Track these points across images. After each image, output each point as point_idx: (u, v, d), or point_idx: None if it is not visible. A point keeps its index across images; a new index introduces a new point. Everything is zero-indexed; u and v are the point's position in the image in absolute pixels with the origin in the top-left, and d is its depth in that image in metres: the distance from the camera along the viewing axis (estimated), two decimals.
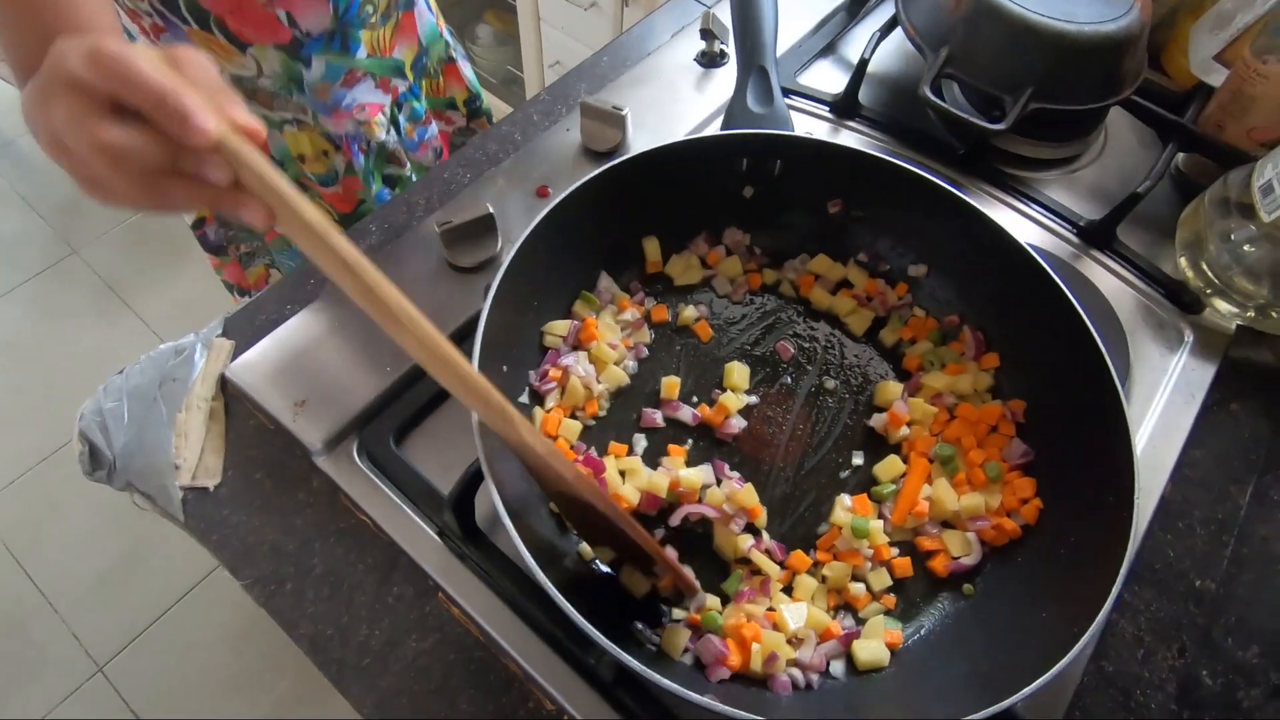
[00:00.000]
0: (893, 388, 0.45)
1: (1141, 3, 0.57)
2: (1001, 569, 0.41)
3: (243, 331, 0.51)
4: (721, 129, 0.49)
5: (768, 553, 0.41)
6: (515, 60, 1.61)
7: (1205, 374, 0.53)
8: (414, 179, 0.72)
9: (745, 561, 0.41)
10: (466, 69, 0.76)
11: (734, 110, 0.49)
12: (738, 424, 0.44)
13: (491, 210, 0.51)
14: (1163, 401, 0.51)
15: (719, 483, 0.42)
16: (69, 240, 1.67)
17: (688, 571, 0.39)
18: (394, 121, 0.69)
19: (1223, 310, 0.54)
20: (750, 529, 0.41)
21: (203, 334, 0.50)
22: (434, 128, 0.73)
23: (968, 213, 0.43)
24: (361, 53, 0.63)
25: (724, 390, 0.45)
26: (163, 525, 1.22)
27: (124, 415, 0.46)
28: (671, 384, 0.44)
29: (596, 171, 0.41)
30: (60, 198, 1.74)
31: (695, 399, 0.46)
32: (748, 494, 0.40)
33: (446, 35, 0.73)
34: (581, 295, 0.46)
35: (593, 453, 0.43)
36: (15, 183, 1.75)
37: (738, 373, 0.45)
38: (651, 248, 0.47)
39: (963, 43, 0.57)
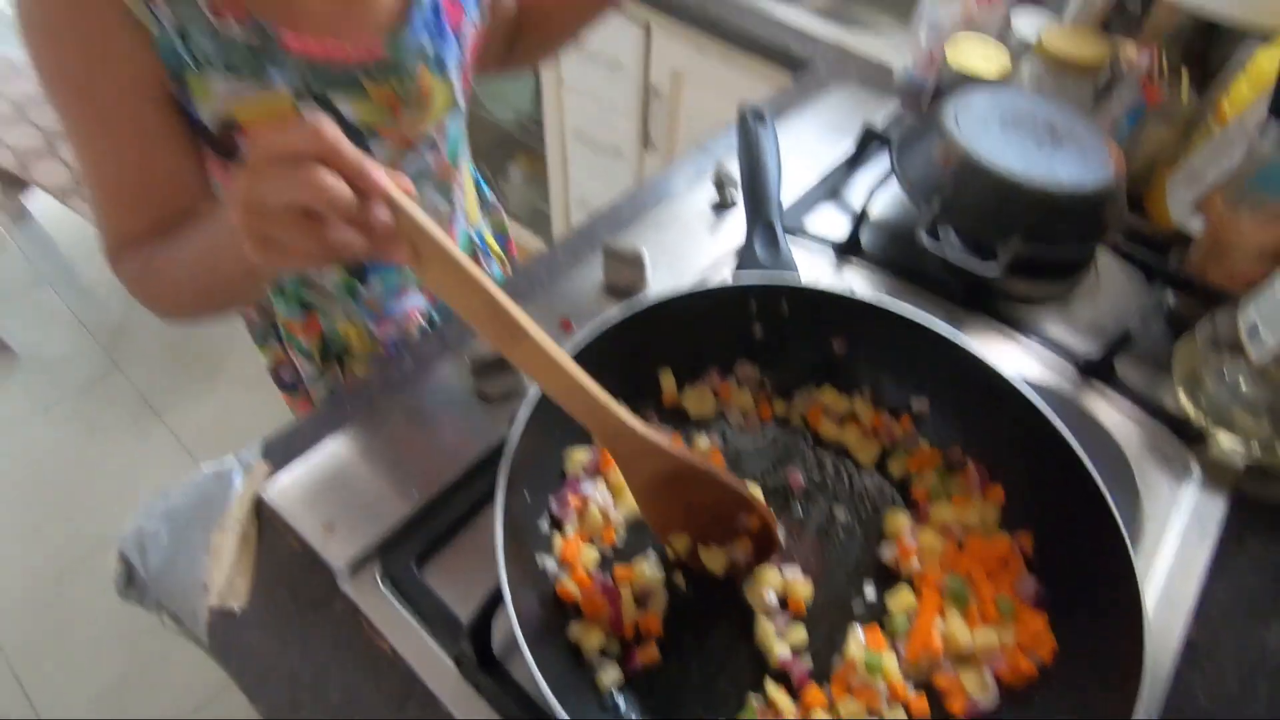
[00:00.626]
0: (901, 518, 0.46)
1: (1116, 162, 0.62)
2: (1020, 712, 0.40)
3: (280, 454, 0.54)
4: (734, 275, 0.53)
5: (794, 680, 0.41)
6: (543, 197, 1.74)
7: (1217, 508, 0.53)
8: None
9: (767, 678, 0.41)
10: (495, 267, 0.81)
11: (744, 258, 0.54)
12: None
13: None
14: (1176, 536, 0.51)
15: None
16: (114, 357, 1.76)
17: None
18: (430, 320, 0.73)
19: (1226, 445, 0.55)
20: None
21: (242, 456, 0.53)
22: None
23: (961, 355, 0.46)
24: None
25: None
26: (167, 646, 1.20)
27: (162, 537, 0.48)
28: None
29: (619, 318, 0.45)
30: (113, 318, 1.85)
31: None
32: (804, 587, 0.42)
33: (476, 176, 0.78)
34: None
35: (609, 581, 0.43)
36: (73, 304, 1.87)
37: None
38: (668, 381, 0.50)
39: (953, 195, 0.62)
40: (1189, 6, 0.69)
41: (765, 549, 0.44)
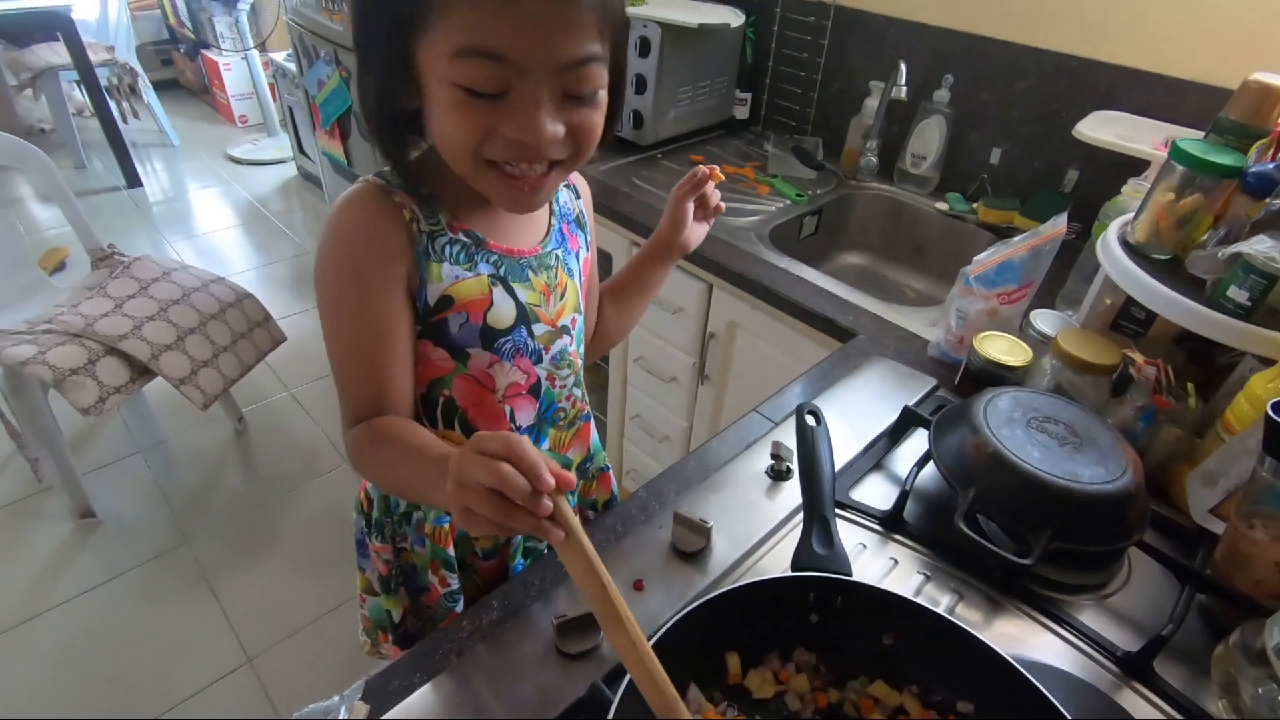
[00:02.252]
0: None
1: (1133, 467, 0.70)
2: None
3: (378, 695, 0.59)
4: (792, 564, 0.61)
5: None
6: (601, 407, 1.88)
7: None
8: (545, 551, 0.85)
9: None
10: (613, 481, 0.95)
11: (801, 549, 0.61)
12: None
13: None
14: None
15: None
16: (184, 528, 1.87)
17: None
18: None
19: None
20: None
21: (346, 695, 0.59)
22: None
23: (1001, 663, 0.51)
24: (545, 445, 0.81)
25: None
26: None
27: None
28: None
29: (693, 605, 0.52)
30: (191, 489, 1.98)
31: None
32: None
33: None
34: None
35: None
36: (158, 475, 2.02)
37: None
38: (733, 662, 0.56)
39: (987, 486, 0.70)
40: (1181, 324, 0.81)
41: None
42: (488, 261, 0.68)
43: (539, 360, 0.74)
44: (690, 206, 0.85)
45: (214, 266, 2.53)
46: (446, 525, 0.79)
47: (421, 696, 0.58)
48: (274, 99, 3.83)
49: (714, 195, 0.86)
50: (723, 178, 0.85)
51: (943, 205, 1.49)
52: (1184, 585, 0.68)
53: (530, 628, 0.64)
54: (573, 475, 0.46)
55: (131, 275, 1.86)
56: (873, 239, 1.62)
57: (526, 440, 0.45)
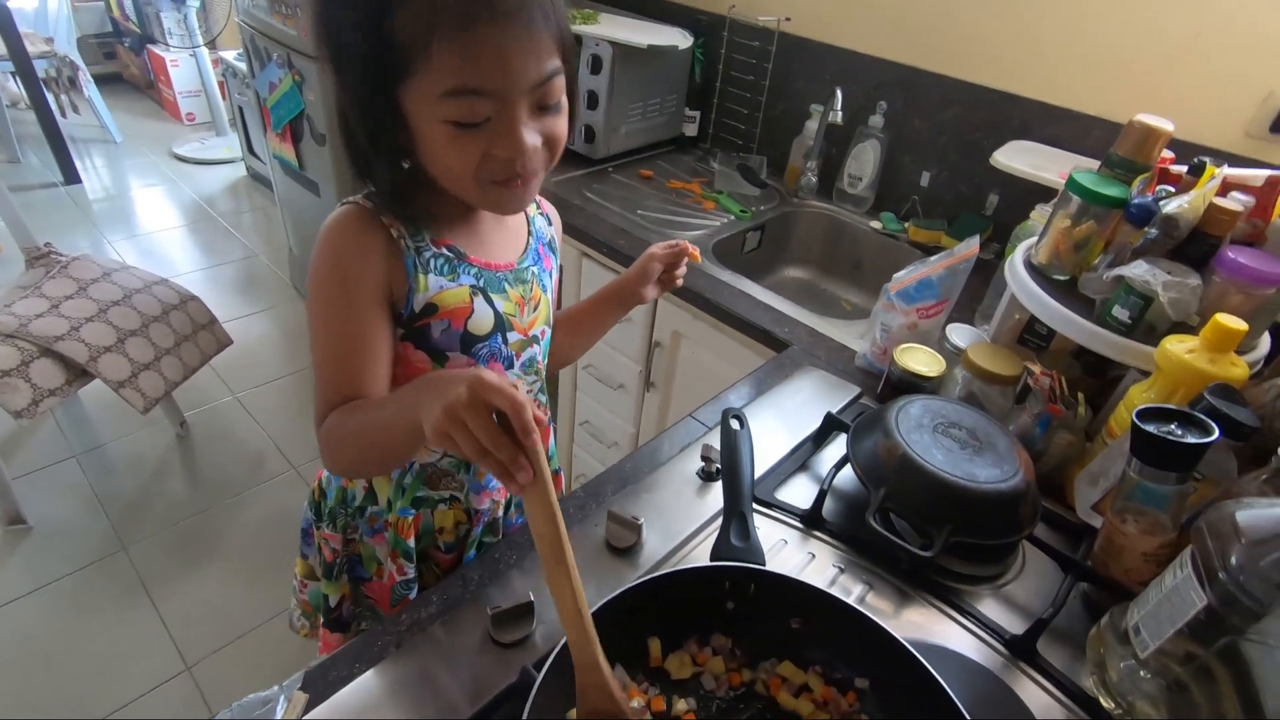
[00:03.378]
0: None
1: (1025, 469, 0.77)
2: None
3: (317, 685, 0.62)
4: (711, 554, 0.66)
5: None
6: (553, 414, 1.91)
7: None
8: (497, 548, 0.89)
9: None
10: (564, 482, 1.00)
11: (720, 542, 0.66)
12: None
13: (532, 598, 0.66)
14: None
15: None
16: (121, 537, 1.82)
17: None
18: (508, 504, 0.90)
19: None
20: None
21: (285, 685, 0.61)
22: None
23: (890, 643, 0.57)
24: None
25: None
26: None
27: None
28: None
29: (618, 592, 0.57)
30: (129, 495, 1.93)
31: None
32: None
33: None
34: None
35: None
36: (94, 481, 1.97)
37: None
38: (654, 646, 0.60)
39: (896, 486, 0.77)
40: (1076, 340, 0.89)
41: None
42: (469, 274, 0.73)
43: (510, 366, 0.79)
44: (659, 268, 0.93)
45: (158, 267, 2.47)
46: (411, 517, 0.82)
47: (360, 685, 0.61)
48: (223, 98, 3.76)
49: (683, 270, 0.95)
50: (700, 260, 0.96)
51: (877, 224, 1.58)
52: (1067, 574, 0.75)
53: (467, 620, 0.67)
54: (535, 428, 0.50)
55: (69, 275, 1.82)
56: (813, 254, 1.70)
57: (521, 386, 0.49)
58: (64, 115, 3.69)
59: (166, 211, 3.32)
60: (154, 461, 2.06)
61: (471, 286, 0.73)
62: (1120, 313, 0.85)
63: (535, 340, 0.82)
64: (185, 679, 1.54)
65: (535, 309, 0.81)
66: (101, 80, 4.02)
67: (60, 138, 3.31)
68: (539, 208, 0.87)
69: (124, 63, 4.55)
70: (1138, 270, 0.83)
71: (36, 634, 1.59)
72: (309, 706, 0.60)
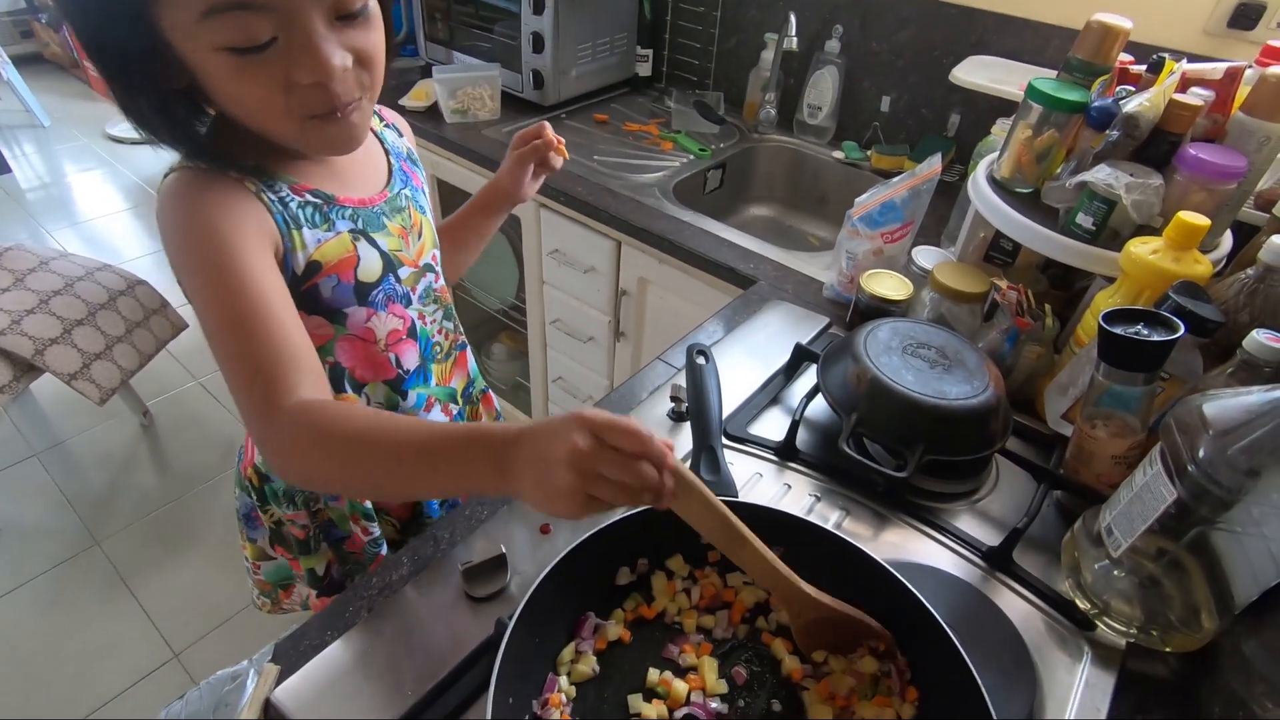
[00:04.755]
0: (824, 709, 0.54)
1: (995, 383, 0.77)
2: None
3: (289, 655, 0.60)
4: None
5: None
6: (524, 373, 1.88)
7: (1107, 686, 0.61)
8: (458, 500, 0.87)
9: None
10: (495, 399, 0.97)
11: None
12: (716, 707, 0.54)
13: (504, 550, 0.64)
14: (1073, 716, 0.59)
15: None
16: (93, 532, 1.78)
17: None
18: None
19: (1110, 629, 0.65)
20: None
21: (255, 659, 0.60)
22: None
23: (870, 565, 0.56)
24: (433, 382, 0.83)
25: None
26: None
27: None
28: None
29: (589, 534, 0.55)
30: (95, 493, 1.88)
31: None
32: None
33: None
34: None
35: None
36: (59, 479, 1.91)
37: (709, 666, 0.56)
38: (624, 576, 0.59)
39: (867, 410, 0.76)
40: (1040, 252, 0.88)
41: (887, 654, 0.58)
42: (344, 218, 0.67)
43: (409, 303, 0.76)
44: (531, 165, 0.88)
45: (104, 254, 2.37)
46: None
47: (333, 652, 0.59)
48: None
49: (558, 162, 0.89)
50: (566, 155, 0.90)
51: (839, 154, 1.55)
52: (1039, 484, 0.75)
53: (439, 578, 0.65)
54: (665, 446, 0.45)
55: (3, 267, 1.73)
56: (777, 190, 1.67)
57: (639, 423, 0.43)
58: None
59: (107, 196, 3.17)
60: (120, 454, 2.00)
61: (351, 231, 0.67)
62: (1084, 220, 0.84)
63: (429, 268, 0.78)
64: (174, 666, 1.53)
65: (419, 236, 0.76)
66: (20, 61, 3.79)
67: None
68: (383, 120, 0.80)
69: (43, 41, 4.28)
70: (1100, 174, 0.81)
71: (17, 635, 1.56)
72: (281, 677, 0.58)
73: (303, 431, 0.51)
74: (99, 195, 3.18)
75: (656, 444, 0.43)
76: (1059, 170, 0.91)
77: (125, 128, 3.62)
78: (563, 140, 0.88)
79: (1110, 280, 0.84)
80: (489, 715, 0.46)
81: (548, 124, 0.87)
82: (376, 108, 0.78)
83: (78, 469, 1.95)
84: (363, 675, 0.58)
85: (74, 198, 3.16)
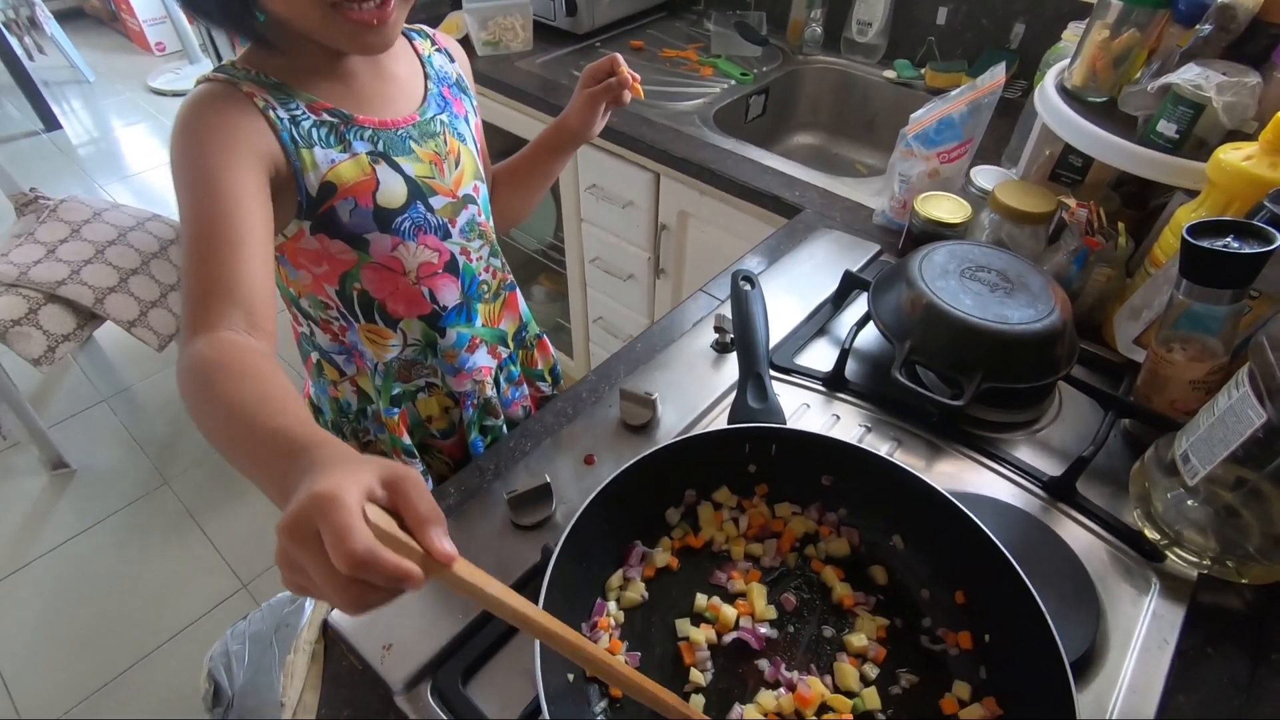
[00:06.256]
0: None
1: (1061, 306, 0.72)
2: None
3: None
4: (729, 419, 0.63)
5: None
6: (564, 314, 1.87)
7: (1176, 618, 0.59)
8: (504, 429, 0.87)
9: None
10: (551, 347, 0.97)
11: (737, 405, 0.63)
12: (766, 632, 0.53)
13: (549, 480, 0.64)
14: (1138, 647, 0.57)
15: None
16: (161, 471, 1.87)
17: None
18: (496, 381, 0.86)
19: (1181, 560, 0.62)
20: None
21: None
22: (525, 389, 0.92)
23: (927, 493, 0.54)
24: (479, 322, 0.82)
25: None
26: None
27: (245, 657, 0.56)
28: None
29: (633, 461, 0.54)
30: (163, 433, 1.97)
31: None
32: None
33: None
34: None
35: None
36: (127, 422, 2.00)
37: (758, 592, 0.55)
38: (673, 515, 0.59)
39: (922, 337, 0.72)
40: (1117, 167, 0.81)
41: None
42: (362, 139, 0.65)
43: (447, 235, 0.73)
44: (602, 105, 0.82)
45: (155, 207, 2.41)
46: (396, 416, 0.80)
47: None
48: (190, 22, 3.56)
49: (628, 96, 0.82)
50: (641, 95, 0.82)
51: (890, 73, 1.45)
52: (1107, 412, 0.71)
53: (486, 507, 0.66)
54: (451, 551, 0.35)
55: (60, 218, 1.78)
56: (823, 116, 1.58)
57: (408, 494, 0.34)
58: (31, 58, 3.53)
59: (153, 149, 3.22)
60: (180, 399, 2.08)
61: (369, 153, 0.65)
62: (1166, 128, 0.77)
63: (470, 200, 0.75)
64: (244, 595, 1.61)
65: (458, 164, 0.73)
66: (62, 16, 3.81)
67: (32, 83, 3.18)
68: (434, 43, 0.77)
69: None
70: (1188, 75, 0.73)
71: (100, 566, 1.66)
72: None
73: (192, 364, 0.49)
74: (146, 148, 3.23)
75: (384, 565, 0.31)
76: (1139, 74, 0.83)
77: (167, 79, 3.65)
78: (638, 77, 0.81)
79: (1192, 194, 0.77)
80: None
81: (620, 58, 0.80)
82: (430, 31, 0.77)
83: (144, 413, 2.04)
84: (416, 599, 0.59)
85: (122, 151, 3.22)
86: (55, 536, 1.72)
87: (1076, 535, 0.64)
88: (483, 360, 0.84)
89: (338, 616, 0.58)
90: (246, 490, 1.82)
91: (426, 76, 0.73)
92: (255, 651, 0.56)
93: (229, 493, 1.82)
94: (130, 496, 1.81)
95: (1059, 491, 0.67)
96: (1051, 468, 0.69)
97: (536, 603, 0.47)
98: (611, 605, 0.55)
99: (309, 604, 0.59)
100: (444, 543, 0.34)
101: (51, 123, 3.29)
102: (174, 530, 1.74)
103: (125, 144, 3.27)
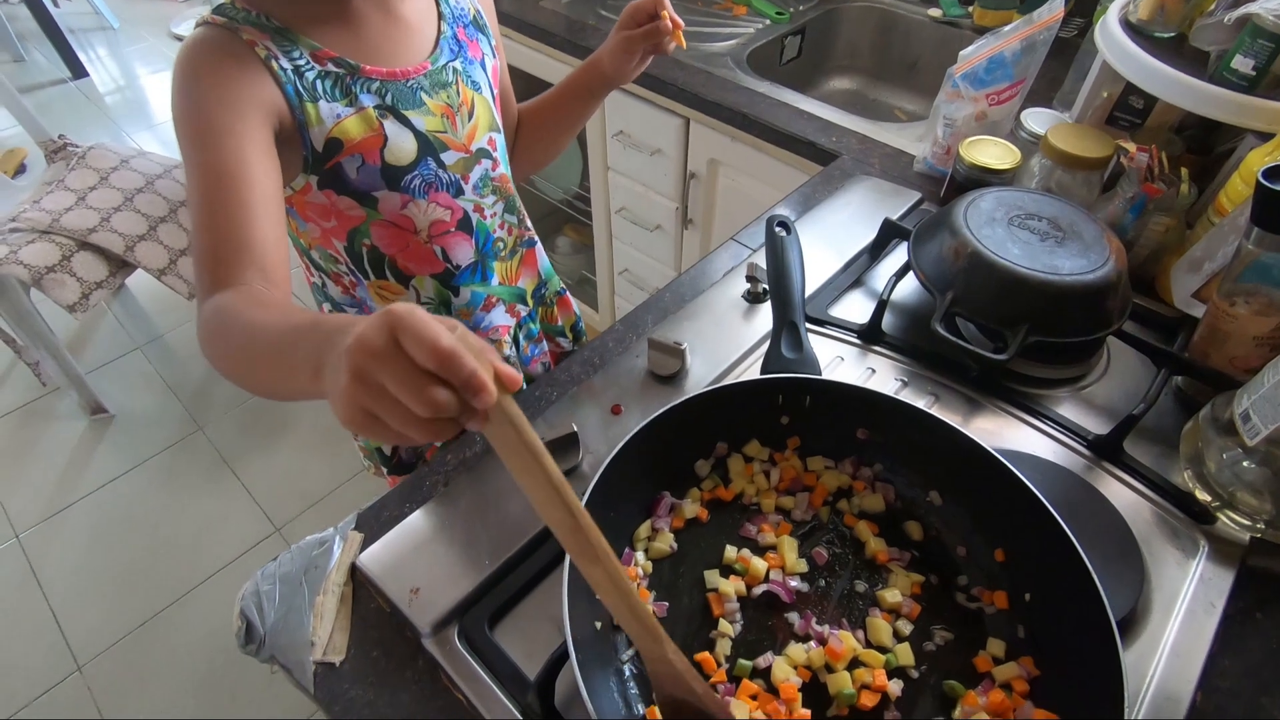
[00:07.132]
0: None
1: (1116, 255, 0.68)
2: None
3: (371, 525, 0.62)
4: (761, 369, 0.61)
5: None
6: (589, 266, 1.85)
7: (1224, 582, 0.57)
8: (524, 386, 0.86)
9: None
10: (574, 301, 0.94)
11: (771, 355, 0.61)
12: (796, 585, 0.52)
13: (576, 429, 0.63)
14: (1183, 610, 0.55)
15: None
16: (195, 417, 1.91)
17: None
18: (515, 339, 0.85)
19: (1232, 522, 0.59)
20: None
21: (340, 527, 0.62)
22: (545, 345, 0.90)
23: (968, 446, 0.52)
24: (495, 281, 0.80)
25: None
26: (244, 689, 1.30)
27: (275, 597, 0.56)
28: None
29: (662, 410, 0.53)
30: (196, 381, 2.01)
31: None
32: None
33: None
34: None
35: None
36: (160, 369, 2.04)
37: (788, 545, 0.54)
38: (703, 468, 0.57)
39: (965, 288, 0.69)
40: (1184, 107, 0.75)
41: None
42: (369, 91, 0.62)
43: (459, 192, 0.70)
44: (639, 46, 0.75)
45: (180, 155, 2.42)
46: None
47: (411, 523, 0.61)
48: None
49: (669, 44, 0.75)
50: (684, 44, 0.76)
51: (935, 11, 1.37)
52: (1160, 368, 0.68)
53: None
54: (517, 374, 0.34)
55: (89, 165, 1.78)
56: (862, 59, 1.51)
57: (458, 332, 0.32)
58: (56, 4, 3.51)
59: None
60: None
61: (377, 107, 0.62)
62: (1242, 64, 0.71)
63: (484, 154, 0.71)
64: (277, 539, 1.66)
65: (471, 116, 0.69)
66: None
67: (58, 30, 3.16)
68: None
69: None
70: (1271, 3, 0.67)
71: (140, 509, 1.72)
72: (365, 545, 0.60)
73: (214, 320, 0.49)
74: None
75: (466, 364, 0.30)
76: (1213, 5, 0.77)
77: (189, 26, 3.61)
78: (682, 24, 0.74)
79: (1266, 137, 0.72)
80: (565, 584, 0.45)
81: (668, 14, 0.73)
82: None
83: (177, 360, 2.07)
84: (442, 544, 0.59)
85: (148, 99, 3.21)
86: (96, 479, 1.78)
87: (1121, 495, 0.62)
88: (500, 319, 0.82)
89: (366, 558, 0.58)
90: (278, 438, 1.86)
91: (440, 16, 0.69)
92: (285, 592, 0.57)
93: (262, 440, 1.86)
94: (167, 442, 1.86)
95: (1105, 450, 0.64)
96: (1097, 426, 0.67)
97: (564, 552, 0.47)
98: (640, 555, 0.54)
99: (336, 546, 0.59)
100: (505, 367, 0.33)
101: (79, 70, 3.28)
102: (209, 475, 1.79)
103: (151, 92, 3.26)
